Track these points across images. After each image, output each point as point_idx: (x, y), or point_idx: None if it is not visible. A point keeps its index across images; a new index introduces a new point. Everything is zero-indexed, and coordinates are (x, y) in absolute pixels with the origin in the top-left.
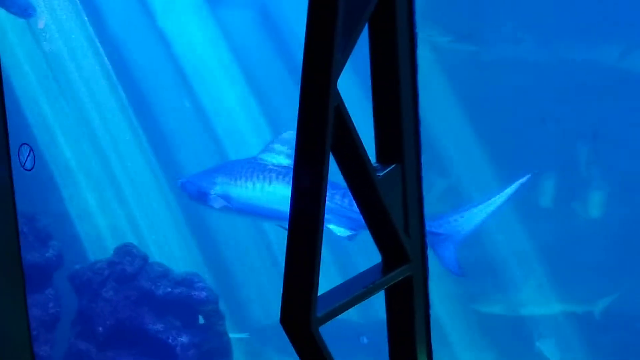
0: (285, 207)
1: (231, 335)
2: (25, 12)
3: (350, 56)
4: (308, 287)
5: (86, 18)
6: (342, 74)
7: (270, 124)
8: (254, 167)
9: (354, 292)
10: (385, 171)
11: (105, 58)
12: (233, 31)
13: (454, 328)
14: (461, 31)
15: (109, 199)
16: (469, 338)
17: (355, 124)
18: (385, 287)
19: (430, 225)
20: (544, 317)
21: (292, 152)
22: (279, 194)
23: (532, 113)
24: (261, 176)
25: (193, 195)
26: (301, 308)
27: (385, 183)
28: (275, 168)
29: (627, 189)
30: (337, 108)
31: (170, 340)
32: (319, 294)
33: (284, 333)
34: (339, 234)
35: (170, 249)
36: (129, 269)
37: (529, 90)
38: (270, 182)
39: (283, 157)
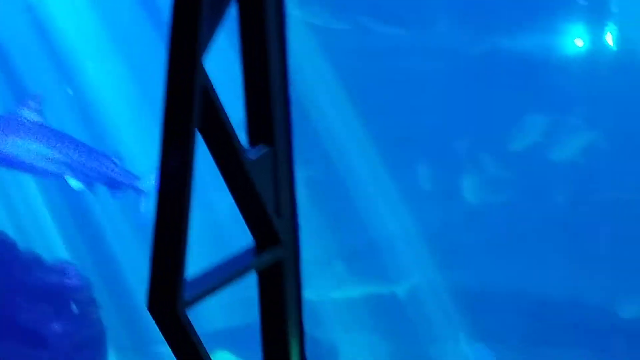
0: (35, 161)
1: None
2: None
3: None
4: (175, 269)
5: None
6: (215, 53)
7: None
8: (12, 122)
9: (223, 275)
10: (256, 153)
11: None
12: (105, 4)
13: (333, 311)
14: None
15: None
16: (349, 320)
17: (227, 106)
18: (256, 269)
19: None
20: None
21: (40, 107)
22: (28, 148)
23: (413, 99)
24: (16, 130)
25: None
26: (168, 291)
27: (257, 165)
28: (28, 124)
29: (508, 175)
30: (205, 87)
31: (43, 330)
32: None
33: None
34: (73, 186)
35: (43, 236)
36: None
37: (412, 76)
38: (22, 138)
39: (34, 112)
